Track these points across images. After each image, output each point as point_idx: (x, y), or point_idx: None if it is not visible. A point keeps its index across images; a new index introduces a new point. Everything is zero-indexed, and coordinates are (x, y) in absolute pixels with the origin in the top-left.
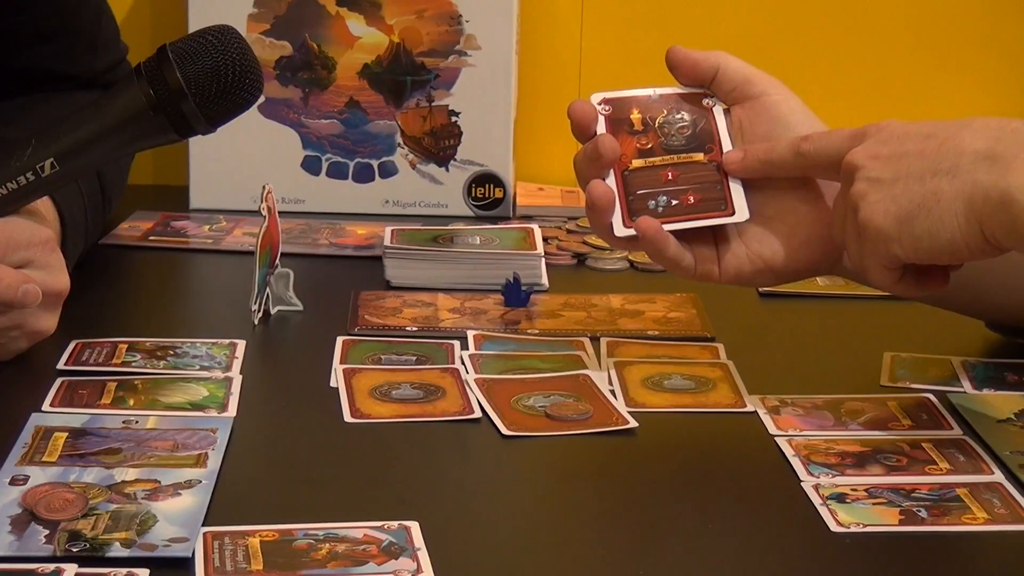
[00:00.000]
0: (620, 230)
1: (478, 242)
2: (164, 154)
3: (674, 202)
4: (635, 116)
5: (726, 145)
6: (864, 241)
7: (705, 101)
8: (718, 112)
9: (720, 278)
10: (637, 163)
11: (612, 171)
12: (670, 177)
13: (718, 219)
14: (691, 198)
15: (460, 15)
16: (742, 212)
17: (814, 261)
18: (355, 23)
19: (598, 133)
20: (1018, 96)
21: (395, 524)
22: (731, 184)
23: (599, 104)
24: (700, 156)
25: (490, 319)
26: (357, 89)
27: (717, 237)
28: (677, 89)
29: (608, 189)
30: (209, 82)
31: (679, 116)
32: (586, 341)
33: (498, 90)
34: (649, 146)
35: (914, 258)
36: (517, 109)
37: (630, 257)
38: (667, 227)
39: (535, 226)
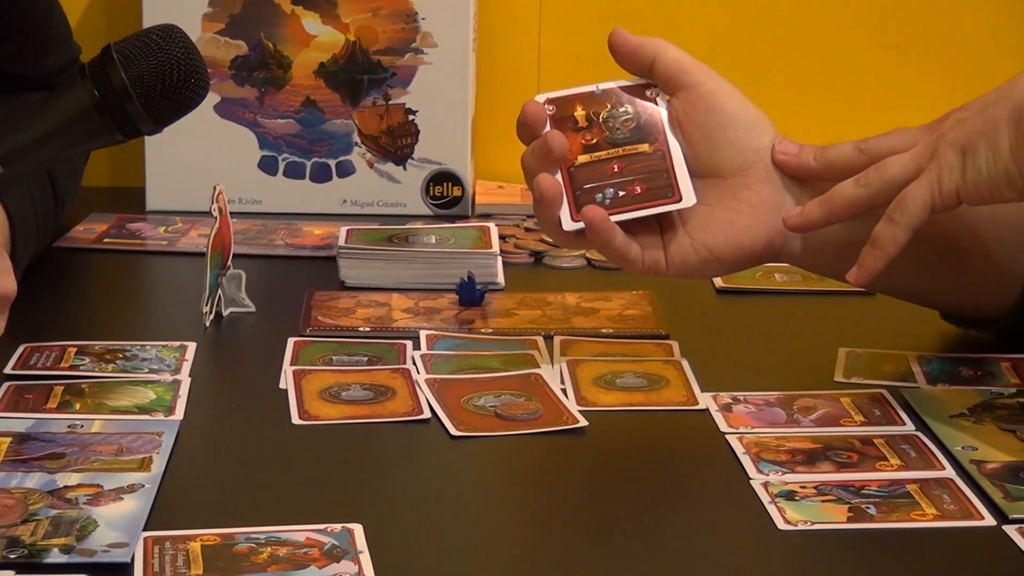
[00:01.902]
0: (568, 224)
1: (434, 241)
2: (120, 156)
3: (621, 193)
4: (579, 113)
5: (669, 135)
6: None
7: (648, 92)
8: (661, 102)
9: (668, 270)
10: (583, 159)
11: (558, 169)
12: (616, 169)
13: (665, 206)
14: (638, 188)
15: (416, 13)
16: (689, 198)
17: (758, 248)
18: (311, 22)
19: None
20: (975, 80)
21: (338, 527)
22: (677, 171)
23: (545, 104)
24: (646, 147)
25: (444, 319)
26: (313, 88)
27: (663, 229)
28: (620, 83)
29: (556, 182)
30: (154, 82)
31: (623, 109)
32: (539, 340)
33: (455, 88)
34: (594, 141)
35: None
36: (475, 107)
37: (587, 255)
38: (615, 218)
39: (491, 225)
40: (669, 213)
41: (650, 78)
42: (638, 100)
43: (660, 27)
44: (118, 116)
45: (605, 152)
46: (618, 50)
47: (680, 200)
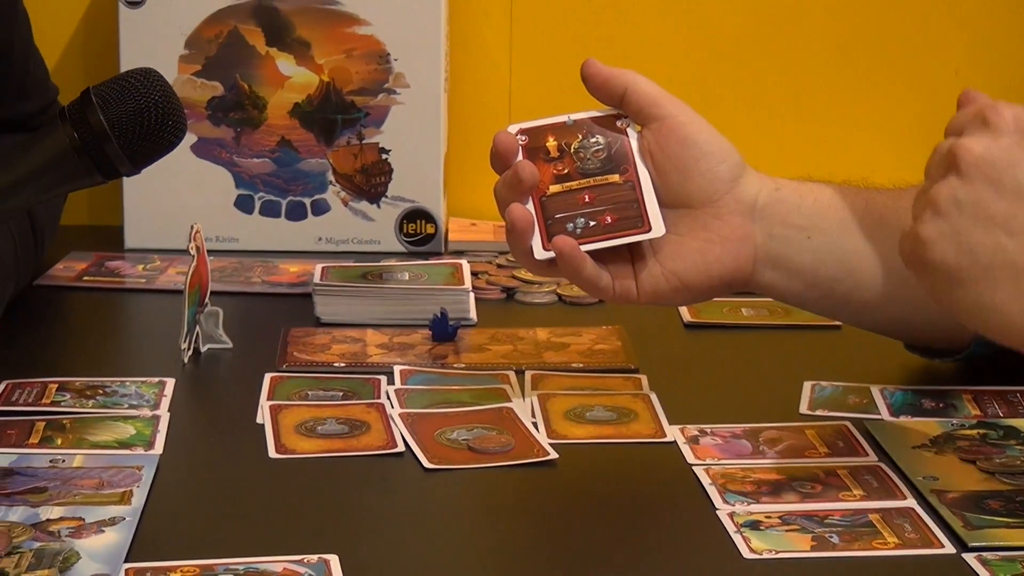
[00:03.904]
0: (540, 253)
1: (407, 278)
2: (99, 195)
3: (592, 223)
4: (551, 143)
5: (639, 165)
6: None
7: (619, 123)
8: (632, 133)
9: (639, 298)
10: (555, 188)
11: (530, 199)
12: (587, 200)
13: (635, 236)
14: (608, 218)
15: (389, 54)
16: (659, 228)
17: (727, 277)
18: (285, 63)
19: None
20: (938, 115)
21: (315, 558)
22: (647, 201)
23: (517, 134)
24: (616, 177)
25: (417, 354)
26: (288, 128)
27: (634, 258)
28: (592, 113)
29: (527, 211)
30: (132, 124)
31: (594, 140)
32: (511, 374)
33: (428, 127)
34: (565, 171)
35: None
36: (448, 145)
37: (558, 291)
38: (585, 247)
39: (464, 261)
40: (640, 243)
41: (621, 109)
42: (609, 131)
43: (629, 64)
44: (97, 158)
45: (576, 182)
46: (590, 80)
47: (650, 230)
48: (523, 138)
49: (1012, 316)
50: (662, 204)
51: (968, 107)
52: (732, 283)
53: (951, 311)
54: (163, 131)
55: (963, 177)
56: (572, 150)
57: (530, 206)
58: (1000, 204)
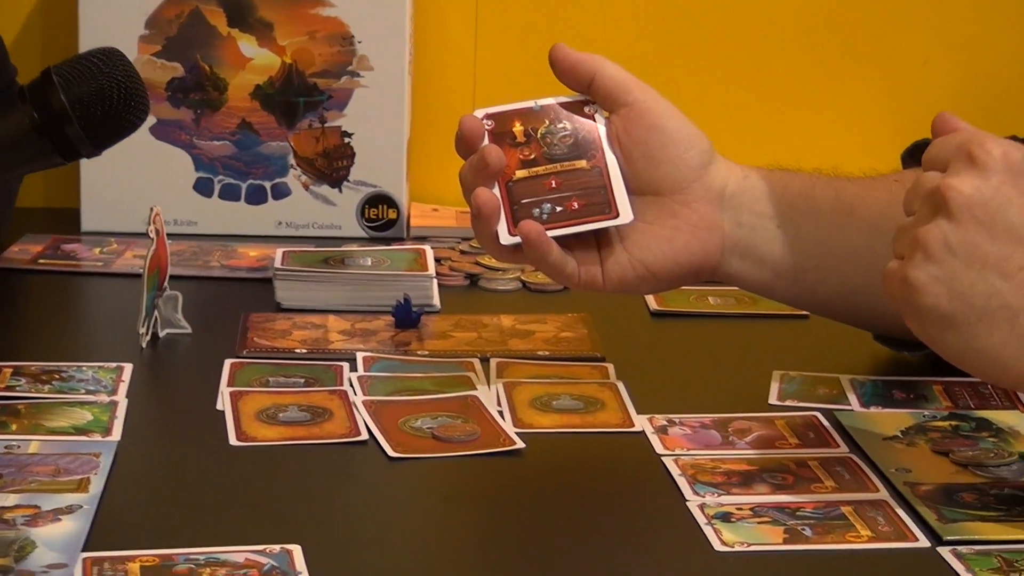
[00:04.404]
0: (505, 238)
1: (369, 263)
2: (55, 177)
3: (558, 209)
4: (517, 128)
5: (607, 151)
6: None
7: (587, 108)
8: (599, 119)
9: (604, 285)
10: (521, 173)
11: (496, 184)
12: (554, 185)
13: (603, 222)
14: (575, 204)
15: (352, 36)
16: (626, 214)
17: (695, 265)
18: (247, 44)
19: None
20: (907, 104)
21: (277, 548)
22: (614, 188)
23: (483, 119)
24: (583, 163)
25: (380, 340)
26: (249, 110)
27: (600, 245)
28: (559, 99)
29: (493, 196)
30: (94, 105)
31: (561, 125)
32: (476, 362)
33: (391, 111)
34: (532, 156)
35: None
36: (411, 130)
37: (522, 278)
38: (552, 232)
39: (427, 247)
40: (607, 229)
41: (589, 95)
42: (576, 116)
43: (595, 48)
44: (57, 139)
45: (543, 167)
46: (558, 65)
47: (617, 216)
48: (489, 123)
49: (1007, 360)
50: (630, 191)
51: (946, 135)
52: (700, 272)
53: (942, 354)
54: (126, 112)
55: (953, 219)
56: (539, 135)
57: (496, 191)
58: (993, 247)
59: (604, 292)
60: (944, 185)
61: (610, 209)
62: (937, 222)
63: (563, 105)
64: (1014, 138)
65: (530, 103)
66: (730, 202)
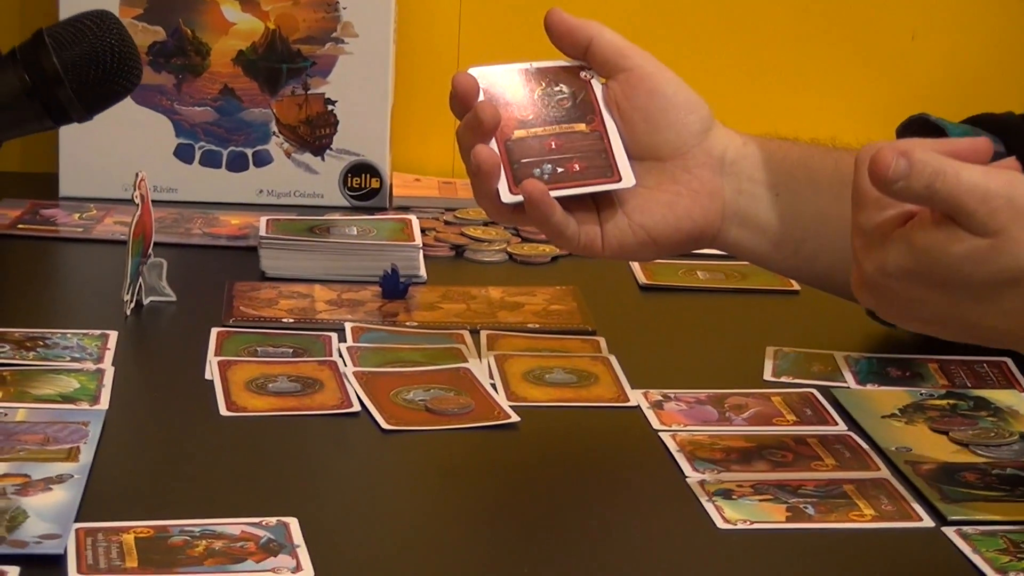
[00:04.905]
0: (507, 196)
1: (355, 233)
2: (33, 141)
3: (559, 170)
4: (513, 88)
5: (606, 116)
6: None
7: (582, 74)
8: (596, 84)
9: (603, 250)
10: (519, 133)
11: (495, 141)
12: (553, 146)
13: (605, 185)
14: (576, 166)
15: (337, 2)
16: (628, 178)
17: (695, 232)
18: (230, 9)
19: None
20: (894, 80)
21: (273, 520)
22: (615, 152)
23: (476, 77)
24: (582, 126)
25: (368, 311)
26: (231, 76)
27: (600, 208)
28: (554, 63)
29: (493, 152)
30: (86, 68)
31: (558, 88)
32: (466, 334)
33: (375, 79)
34: (530, 116)
35: None
36: (394, 98)
37: (508, 249)
38: (554, 193)
39: (413, 217)
40: (608, 193)
41: (585, 60)
42: (573, 81)
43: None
44: (49, 102)
45: (541, 128)
46: (554, 30)
47: (620, 180)
48: (483, 81)
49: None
50: (629, 156)
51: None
52: (700, 239)
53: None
54: (118, 76)
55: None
56: (535, 96)
57: (494, 148)
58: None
59: (601, 257)
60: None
61: (612, 173)
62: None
63: (559, 69)
64: (1010, 114)
65: (525, 64)
66: (730, 169)
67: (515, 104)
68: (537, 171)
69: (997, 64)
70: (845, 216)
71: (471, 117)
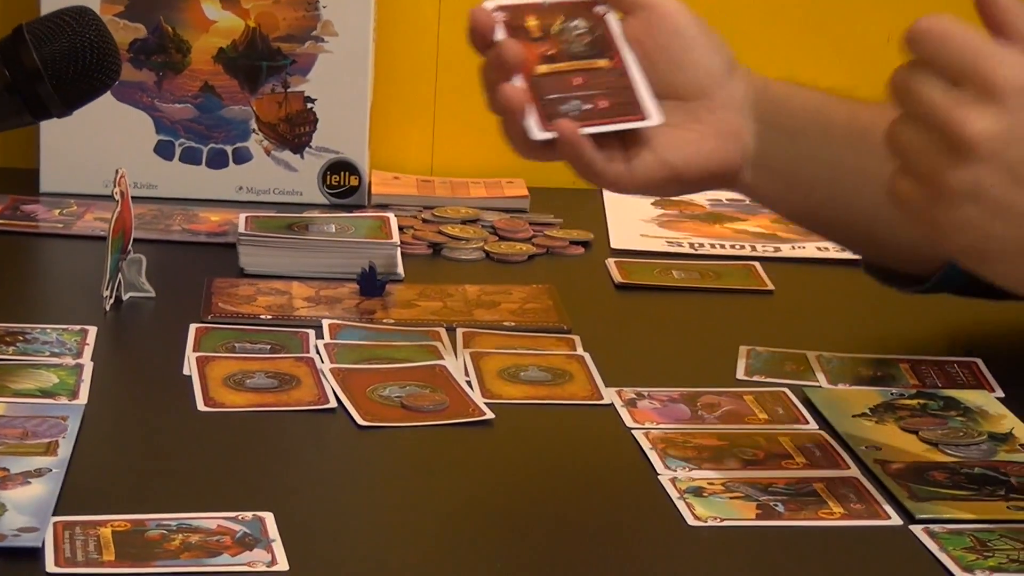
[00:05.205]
0: (537, 133)
1: (333, 230)
2: (13, 136)
3: (586, 107)
4: (532, 23)
5: (625, 52)
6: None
7: (597, 9)
8: (611, 19)
9: (630, 186)
10: (543, 69)
11: (520, 77)
12: (579, 82)
13: (634, 123)
14: (603, 103)
15: (317, 0)
16: (657, 116)
17: (719, 172)
18: (210, 7)
19: (496, 40)
20: (869, 82)
21: (249, 515)
22: (640, 88)
23: (494, 11)
24: (604, 62)
25: (345, 308)
26: (212, 74)
27: (626, 144)
28: None
29: (520, 89)
30: (66, 64)
31: (575, 24)
32: (442, 331)
33: (355, 77)
34: (552, 52)
35: None
36: (373, 96)
37: (485, 247)
38: (584, 131)
39: (391, 215)
40: (633, 130)
41: None
42: (588, 15)
43: None
44: (28, 97)
45: (565, 64)
46: None
47: (647, 118)
48: (502, 15)
49: None
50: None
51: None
52: (723, 178)
53: (993, 280)
54: (98, 72)
55: (975, 163)
56: (554, 32)
57: (519, 84)
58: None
59: (627, 192)
60: (959, 120)
61: (639, 110)
62: (958, 167)
63: (574, 4)
64: None
65: None
66: (750, 111)
67: (536, 40)
68: (565, 107)
69: None
70: (857, 167)
71: (494, 54)
